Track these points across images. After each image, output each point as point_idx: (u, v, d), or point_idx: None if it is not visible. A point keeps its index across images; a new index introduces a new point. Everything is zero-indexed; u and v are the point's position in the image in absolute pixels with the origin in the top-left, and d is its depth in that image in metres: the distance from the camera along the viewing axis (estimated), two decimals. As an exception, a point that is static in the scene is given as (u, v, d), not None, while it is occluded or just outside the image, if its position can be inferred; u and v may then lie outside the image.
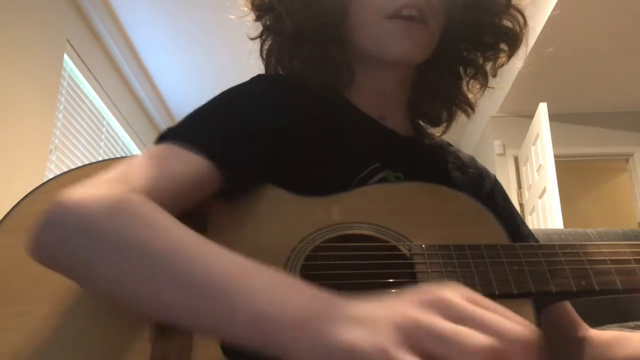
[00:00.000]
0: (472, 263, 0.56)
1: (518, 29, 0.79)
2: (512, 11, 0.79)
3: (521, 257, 0.57)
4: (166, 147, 0.61)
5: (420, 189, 0.66)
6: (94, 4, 3.61)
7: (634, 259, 0.57)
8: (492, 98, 4.79)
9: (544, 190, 3.93)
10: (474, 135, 5.44)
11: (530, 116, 4.24)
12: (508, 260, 0.56)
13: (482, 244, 0.58)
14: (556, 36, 3.70)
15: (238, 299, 0.42)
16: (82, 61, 3.59)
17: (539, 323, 0.52)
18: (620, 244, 0.59)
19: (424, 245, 0.57)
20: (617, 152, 4.73)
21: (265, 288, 0.43)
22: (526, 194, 4.48)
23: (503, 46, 0.80)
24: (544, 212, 3.91)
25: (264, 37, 0.80)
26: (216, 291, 0.43)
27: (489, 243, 0.58)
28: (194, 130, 0.64)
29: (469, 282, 0.54)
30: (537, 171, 4.13)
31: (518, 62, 0.82)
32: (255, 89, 0.73)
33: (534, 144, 4.18)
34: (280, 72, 0.80)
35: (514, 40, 0.79)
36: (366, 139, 0.74)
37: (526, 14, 0.79)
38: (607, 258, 0.58)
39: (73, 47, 3.45)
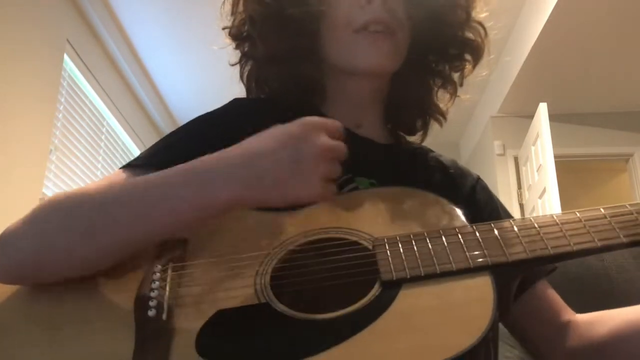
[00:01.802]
0: (430, 246, 0.59)
1: (480, 40, 0.84)
2: (473, 24, 0.84)
3: (477, 233, 0.60)
4: (120, 171, 0.70)
5: (387, 192, 0.69)
6: (94, 4, 3.61)
7: (585, 223, 0.60)
8: (492, 98, 4.81)
9: (544, 191, 3.94)
10: (474, 135, 5.45)
11: (530, 116, 4.24)
12: (465, 239, 0.59)
13: (440, 229, 0.61)
14: (556, 36, 3.70)
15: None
16: (82, 61, 3.59)
17: (498, 296, 0.54)
18: (573, 211, 0.61)
19: (385, 238, 0.60)
20: (617, 152, 4.73)
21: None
22: (526, 194, 4.48)
23: (467, 57, 0.85)
24: (544, 212, 3.90)
25: (242, 62, 0.85)
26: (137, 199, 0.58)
27: (448, 227, 0.62)
28: (152, 156, 0.71)
29: (428, 262, 0.57)
30: (537, 171, 4.13)
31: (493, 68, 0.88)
32: (226, 111, 0.77)
33: (534, 144, 4.18)
34: (261, 95, 0.85)
35: (476, 51, 0.84)
36: None
37: (487, 25, 0.85)
38: (560, 225, 0.60)
39: (73, 47, 3.45)
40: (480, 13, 0.84)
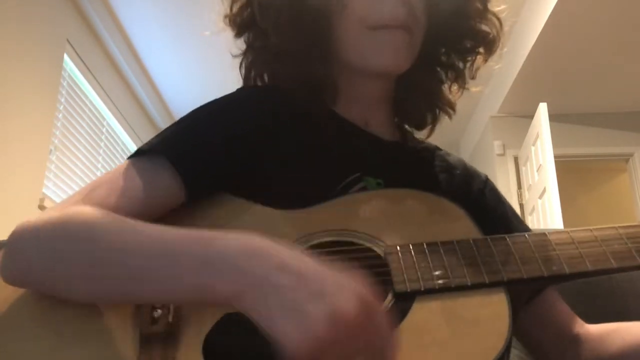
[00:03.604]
0: (444, 258, 0.57)
1: (495, 33, 0.82)
2: (489, 16, 0.81)
3: (492, 247, 0.59)
4: (133, 161, 0.66)
5: (394, 194, 0.68)
6: (94, 4, 3.61)
7: (602, 241, 0.59)
8: (492, 98, 4.80)
9: (544, 191, 3.93)
10: (474, 135, 5.44)
11: (530, 116, 4.24)
12: (480, 252, 0.58)
13: (454, 239, 0.59)
14: (556, 36, 3.70)
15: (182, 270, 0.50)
16: (82, 61, 3.59)
17: (512, 311, 0.53)
18: (588, 229, 0.61)
19: (398, 246, 0.59)
20: (617, 152, 4.73)
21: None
22: (526, 194, 4.48)
23: (480, 49, 0.83)
24: (544, 213, 3.91)
25: (245, 53, 0.82)
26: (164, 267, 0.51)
27: (461, 238, 0.60)
28: (162, 144, 0.68)
29: (442, 275, 0.55)
30: (537, 171, 4.13)
31: (513, 62, 0.85)
32: (236, 100, 0.74)
33: (534, 144, 4.18)
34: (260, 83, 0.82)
35: (491, 43, 0.82)
36: (349, 148, 0.75)
37: (502, 16, 0.82)
38: (575, 242, 0.59)
39: (73, 47, 3.45)
40: (496, 6, 0.82)
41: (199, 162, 0.66)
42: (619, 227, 0.60)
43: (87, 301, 0.56)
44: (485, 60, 0.83)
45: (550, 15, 3.53)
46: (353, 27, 0.74)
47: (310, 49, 0.76)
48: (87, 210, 0.58)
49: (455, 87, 0.85)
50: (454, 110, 0.86)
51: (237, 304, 0.47)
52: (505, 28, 0.82)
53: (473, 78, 0.85)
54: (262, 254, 0.47)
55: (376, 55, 0.73)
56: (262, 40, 0.79)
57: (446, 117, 0.87)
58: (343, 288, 0.44)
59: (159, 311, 0.55)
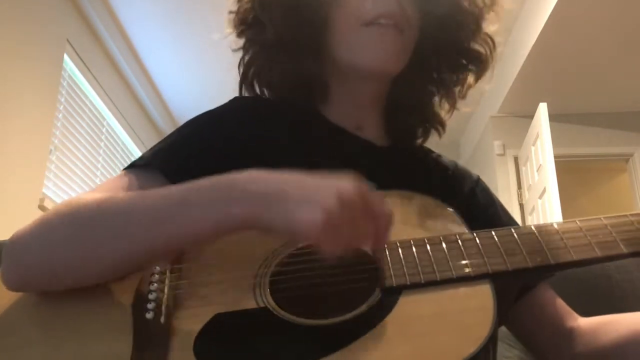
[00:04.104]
0: (430, 253, 0.58)
1: (488, 53, 0.82)
2: (483, 35, 0.82)
3: (477, 241, 0.60)
4: (127, 173, 0.69)
5: (385, 196, 0.68)
6: (94, 4, 3.61)
7: (587, 232, 0.60)
8: (492, 98, 4.80)
9: (544, 191, 3.93)
10: (474, 135, 5.45)
11: (530, 116, 4.24)
12: (465, 246, 0.59)
13: (440, 235, 0.60)
14: (556, 36, 3.70)
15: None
16: (82, 61, 3.60)
17: (499, 304, 0.54)
18: (574, 220, 0.61)
19: (385, 244, 0.60)
20: (617, 152, 4.73)
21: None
22: (526, 194, 4.48)
23: (472, 67, 0.83)
24: (544, 213, 3.91)
25: (245, 47, 0.83)
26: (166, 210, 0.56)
27: (448, 234, 0.61)
28: (157, 157, 0.70)
29: (428, 269, 0.57)
30: (537, 171, 4.13)
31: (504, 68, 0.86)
32: (229, 111, 0.77)
33: (534, 144, 4.18)
34: (256, 85, 0.84)
35: (482, 63, 0.82)
36: (340, 153, 0.76)
37: (496, 40, 0.82)
38: (560, 233, 0.60)
39: (73, 47, 3.45)
40: (491, 25, 0.82)
41: (193, 175, 0.67)
42: (604, 217, 0.61)
43: (93, 276, 0.58)
44: (477, 80, 0.84)
45: (550, 15, 3.53)
46: (347, 24, 0.75)
47: (304, 43, 0.77)
48: (75, 200, 0.60)
49: (445, 105, 0.86)
50: (443, 128, 0.87)
51: (254, 223, 0.53)
52: (504, 30, 0.83)
53: (463, 98, 0.85)
54: (259, 178, 0.55)
55: (367, 51, 0.74)
56: (261, 34, 0.80)
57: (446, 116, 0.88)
58: (339, 178, 0.53)
59: (151, 312, 0.55)
